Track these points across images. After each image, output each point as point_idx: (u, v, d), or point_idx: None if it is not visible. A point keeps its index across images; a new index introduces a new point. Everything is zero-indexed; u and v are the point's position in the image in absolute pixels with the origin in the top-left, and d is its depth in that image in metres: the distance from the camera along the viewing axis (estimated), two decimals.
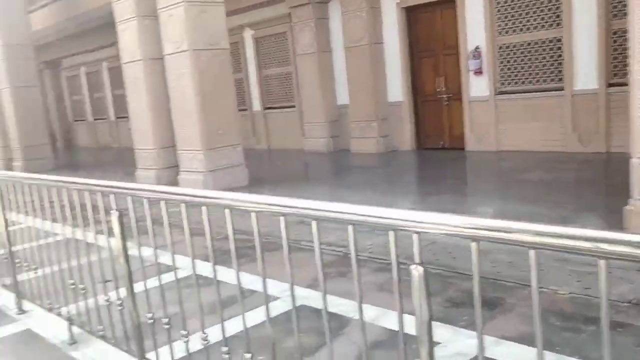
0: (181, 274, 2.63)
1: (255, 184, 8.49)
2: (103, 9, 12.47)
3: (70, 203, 3.24)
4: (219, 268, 2.30)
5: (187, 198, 2.30)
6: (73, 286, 3.33)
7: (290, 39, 12.24)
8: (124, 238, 2.80)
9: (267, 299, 2.08)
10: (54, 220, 3.58)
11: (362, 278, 1.79)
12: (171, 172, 9.00)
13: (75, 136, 21.64)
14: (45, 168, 13.61)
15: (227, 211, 2.08)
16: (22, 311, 4.13)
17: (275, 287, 3.62)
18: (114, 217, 2.77)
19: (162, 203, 2.47)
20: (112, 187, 2.83)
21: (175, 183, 8.76)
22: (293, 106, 12.67)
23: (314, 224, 1.79)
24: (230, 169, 8.33)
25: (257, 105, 13.60)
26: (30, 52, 13.69)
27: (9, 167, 14.34)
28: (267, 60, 13.19)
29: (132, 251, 2.80)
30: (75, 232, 3.29)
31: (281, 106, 13.07)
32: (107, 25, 15.30)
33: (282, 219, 1.87)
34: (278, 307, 3.49)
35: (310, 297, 3.74)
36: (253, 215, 1.97)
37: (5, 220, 4.13)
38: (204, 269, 2.55)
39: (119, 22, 9.30)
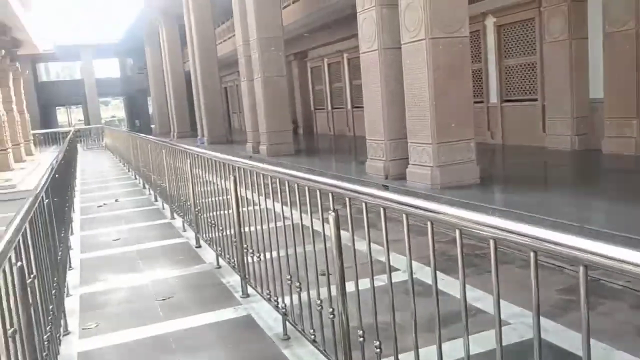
0: (399, 277, 2.32)
1: (486, 182, 7.85)
2: (347, 0, 12.80)
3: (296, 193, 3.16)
4: (442, 276, 1.92)
5: (410, 209, 1.97)
6: (289, 282, 3.25)
7: (538, 25, 11.11)
8: (339, 239, 2.60)
9: (500, 323, 1.64)
10: (284, 204, 3.53)
11: (617, 313, 1.25)
12: (400, 164, 8.82)
13: (315, 123, 23.01)
14: (286, 152, 14.64)
15: (457, 232, 1.70)
16: (246, 295, 4.28)
17: (505, 309, 3.11)
18: (331, 218, 2.58)
19: (382, 210, 2.18)
20: (331, 185, 2.64)
21: (403, 176, 8.56)
22: (534, 99, 11.53)
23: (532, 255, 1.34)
24: (460, 164, 7.82)
25: (494, 97, 12.73)
26: (280, 45, 14.76)
27: (257, 150, 15.76)
28: (509, 50, 12.22)
29: (348, 249, 2.58)
30: (301, 217, 3.17)
31: (521, 99, 12.01)
32: (349, 17, 15.79)
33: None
34: (508, 335, 2.98)
35: (547, 330, 3.14)
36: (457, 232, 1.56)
37: (238, 201, 4.28)
38: (425, 274, 2.19)
39: (359, 12, 9.37)
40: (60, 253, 4.51)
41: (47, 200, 4.27)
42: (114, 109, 74.18)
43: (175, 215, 7.46)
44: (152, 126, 40.31)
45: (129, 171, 14.01)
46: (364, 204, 2.36)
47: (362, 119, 17.68)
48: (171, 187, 7.37)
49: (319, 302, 2.89)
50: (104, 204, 9.60)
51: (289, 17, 16.64)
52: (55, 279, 3.74)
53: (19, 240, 2.37)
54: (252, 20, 14.58)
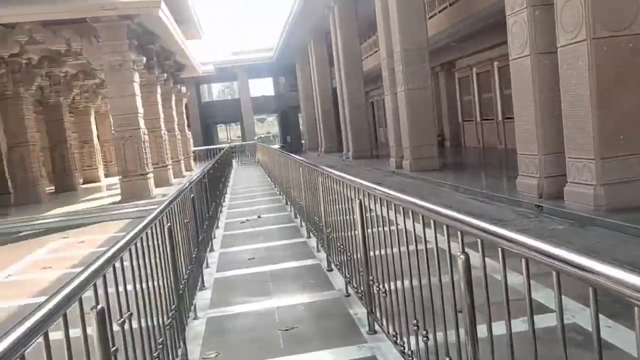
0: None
1: None
2: (496, 6, 11.97)
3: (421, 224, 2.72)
4: (608, 323, 1.38)
5: (565, 267, 1.47)
6: (416, 326, 2.80)
7: None
8: (470, 286, 2.12)
9: None
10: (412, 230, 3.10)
11: None
12: (557, 182, 7.87)
13: (463, 136, 22.00)
14: (431, 167, 14.03)
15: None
16: (372, 331, 3.89)
17: None
18: (460, 262, 2.11)
19: (523, 262, 1.70)
20: (461, 221, 2.17)
21: (560, 195, 7.62)
22: None
23: None
24: (631, 183, 6.73)
25: None
26: (425, 56, 14.24)
27: (400, 165, 15.33)
28: None
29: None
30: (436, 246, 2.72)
31: None
32: (499, 24, 14.81)
33: None
34: None
35: None
36: None
37: (364, 227, 3.92)
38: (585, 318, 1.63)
39: (508, 16, 8.61)
40: (185, 278, 4.47)
41: (186, 221, 4.28)
42: (269, 126, 78.29)
43: (311, 235, 7.30)
44: (303, 142, 41.65)
45: (275, 187, 14.34)
46: (500, 250, 1.86)
47: (514, 131, 16.55)
48: (307, 206, 7.23)
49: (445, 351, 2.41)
50: (247, 220, 9.80)
51: (435, 27, 16.06)
52: (173, 305, 3.64)
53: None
54: (396, 32, 14.26)
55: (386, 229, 3.39)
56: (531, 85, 8.19)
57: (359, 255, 4.11)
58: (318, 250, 6.64)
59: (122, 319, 2.37)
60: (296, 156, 8.29)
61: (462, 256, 2.17)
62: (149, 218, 3.39)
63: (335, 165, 22.19)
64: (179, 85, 21.72)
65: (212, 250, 7.36)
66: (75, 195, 17.04)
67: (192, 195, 5.66)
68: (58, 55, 14.95)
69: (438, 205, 2.58)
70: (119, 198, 13.20)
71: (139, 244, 2.97)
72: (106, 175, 23.33)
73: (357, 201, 3.92)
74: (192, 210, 5.57)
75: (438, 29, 16.22)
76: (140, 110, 13.04)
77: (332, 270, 5.70)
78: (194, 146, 36.03)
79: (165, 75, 17.41)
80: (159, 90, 16.35)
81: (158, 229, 3.61)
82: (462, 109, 21.88)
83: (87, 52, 12.52)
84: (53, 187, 18.87)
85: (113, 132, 13.19)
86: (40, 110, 19.09)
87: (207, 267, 6.50)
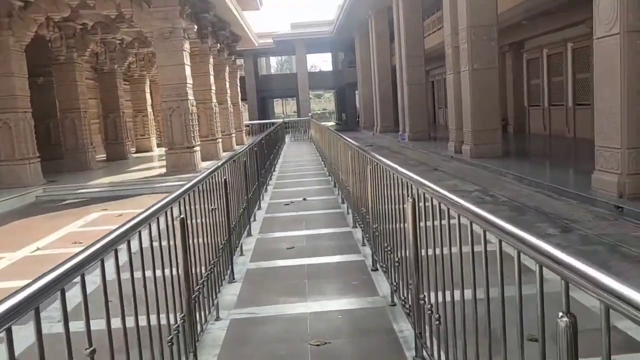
0: None
1: None
2: None
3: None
4: None
5: None
6: None
7: None
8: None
9: None
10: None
11: None
12: None
13: (527, 122, 20.65)
14: (493, 154, 13.05)
15: None
16: (420, 357, 3.20)
17: None
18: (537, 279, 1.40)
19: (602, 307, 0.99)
20: (523, 241, 1.46)
21: None
22: None
23: None
24: None
25: None
26: (493, 34, 13.14)
27: (459, 150, 14.37)
28: None
29: None
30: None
31: None
32: (574, 3, 13.51)
33: None
34: None
35: None
36: None
37: (417, 233, 3.21)
38: None
39: None
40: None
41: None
42: (326, 102, 77.63)
43: (357, 225, 6.63)
44: (358, 120, 40.78)
45: (324, 167, 13.71)
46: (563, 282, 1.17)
47: (585, 119, 15.22)
48: (355, 193, 6.55)
49: None
50: (292, 202, 9.22)
51: (506, 3, 14.85)
52: (181, 315, 3.06)
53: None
54: (463, 7, 13.19)
55: (443, 235, 2.69)
56: (618, 69, 7.15)
57: (408, 265, 3.42)
58: (363, 244, 5.97)
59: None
60: (346, 137, 7.59)
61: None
62: (150, 211, 2.80)
63: (390, 146, 21.35)
64: (233, 57, 21.26)
65: (249, 234, 6.82)
66: (125, 164, 16.95)
67: (224, 178, 5.08)
68: (112, 21, 14.69)
69: (500, 219, 1.87)
70: (164, 170, 12.90)
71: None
72: (159, 145, 23.29)
73: (410, 200, 3.21)
74: (224, 195, 5.00)
75: (510, 4, 15.01)
76: (190, 80, 12.60)
77: (377, 270, 5.03)
78: (250, 120, 35.87)
79: (219, 45, 16.93)
80: (211, 60, 15.91)
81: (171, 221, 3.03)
82: (529, 93, 20.49)
83: (137, 18, 12.12)
84: (105, 155, 18.90)
85: (161, 102, 12.83)
86: (95, 78, 19.06)
87: (242, 254, 5.95)
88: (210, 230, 4.39)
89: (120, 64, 18.59)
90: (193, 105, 12.58)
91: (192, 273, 3.38)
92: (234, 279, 5.08)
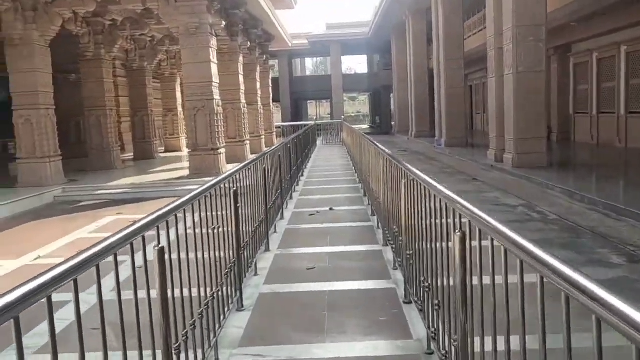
0: None
1: None
2: None
3: None
4: None
5: None
6: None
7: None
8: None
9: None
10: None
11: None
12: None
13: (573, 130, 19.47)
14: (537, 164, 12.10)
15: None
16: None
17: None
18: None
19: None
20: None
21: None
22: None
23: None
24: None
25: None
26: (542, 35, 12.19)
27: (500, 159, 13.45)
28: None
29: None
30: None
31: None
32: (630, 2, 12.49)
33: None
34: None
35: None
36: None
37: (466, 273, 2.46)
38: None
39: None
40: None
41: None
42: (360, 105, 76.70)
43: (388, 243, 5.87)
44: (393, 123, 39.86)
45: (355, 172, 12.96)
46: None
47: (638, 128, 14.09)
48: (386, 206, 5.79)
49: None
50: (317, 212, 8.50)
51: (554, 3, 13.87)
52: None
53: None
54: (509, 5, 12.27)
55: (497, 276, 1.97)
56: None
57: (453, 310, 2.66)
58: (394, 267, 5.21)
59: None
60: (377, 143, 6.85)
61: None
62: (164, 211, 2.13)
63: (425, 152, 20.44)
64: (265, 56, 20.69)
65: (267, 249, 6.13)
66: (151, 164, 16.52)
67: (233, 189, 4.40)
68: (140, 17, 14.25)
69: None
70: (187, 172, 12.35)
71: None
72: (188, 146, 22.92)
73: (459, 235, 2.45)
74: (232, 209, 4.32)
75: (559, 4, 14.01)
76: (216, 79, 12.02)
77: (410, 303, 4.27)
78: (283, 121, 35.35)
79: (250, 44, 16.35)
80: (241, 59, 15.33)
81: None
82: (575, 100, 19.32)
83: (163, 13, 11.61)
84: (132, 154, 18.54)
85: (185, 101, 12.28)
86: (124, 75, 18.74)
87: (256, 273, 5.26)
88: (214, 249, 3.72)
89: (150, 62, 18.20)
90: (219, 106, 11.99)
91: (174, 304, 2.69)
92: (242, 306, 4.38)
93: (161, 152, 19.95)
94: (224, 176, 4.31)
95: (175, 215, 3.00)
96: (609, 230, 6.63)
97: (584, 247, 5.91)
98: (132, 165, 16.35)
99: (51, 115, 12.03)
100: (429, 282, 3.36)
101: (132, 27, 15.06)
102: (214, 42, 11.92)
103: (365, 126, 49.82)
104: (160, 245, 2.56)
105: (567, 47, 19.08)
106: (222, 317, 3.71)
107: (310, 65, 63.74)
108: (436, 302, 3.10)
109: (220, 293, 3.79)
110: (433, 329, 3.25)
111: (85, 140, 15.69)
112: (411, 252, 4.03)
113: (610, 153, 15.18)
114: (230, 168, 7.19)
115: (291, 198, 9.77)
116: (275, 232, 7.05)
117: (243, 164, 5.33)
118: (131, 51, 17.44)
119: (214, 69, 11.86)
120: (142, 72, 18.01)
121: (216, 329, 3.55)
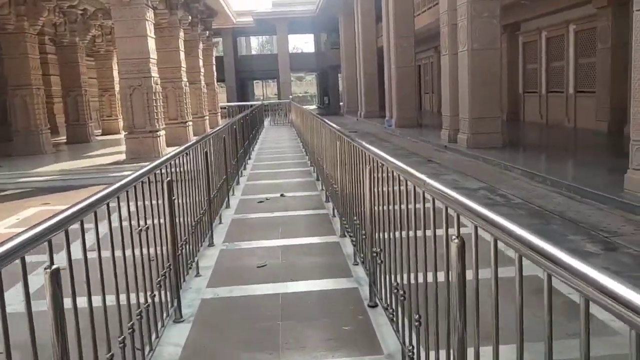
0: None
1: None
2: None
3: None
4: None
5: None
6: None
7: None
8: None
9: None
10: None
11: None
12: None
13: (522, 109, 19.43)
14: (492, 144, 11.80)
15: None
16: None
17: None
18: None
19: None
20: None
21: None
22: None
23: None
24: None
25: None
26: (496, 11, 11.82)
27: (453, 139, 13.10)
28: None
29: None
30: None
31: None
32: None
33: None
34: None
35: None
36: None
37: (464, 282, 1.88)
38: None
39: None
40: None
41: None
42: (307, 85, 75.74)
43: (346, 234, 5.29)
44: (341, 104, 39.36)
45: (306, 155, 12.33)
46: None
47: (588, 107, 14.04)
48: (343, 193, 5.19)
49: None
50: (267, 198, 7.82)
51: None
52: None
53: None
54: None
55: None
56: None
57: (442, 322, 2.09)
58: (355, 262, 4.63)
59: None
60: (332, 124, 6.23)
61: None
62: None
63: (376, 133, 19.98)
64: (208, 33, 19.62)
65: (211, 244, 5.44)
66: (85, 148, 15.35)
67: (167, 179, 3.68)
68: None
69: None
70: (124, 157, 11.39)
71: None
72: None
73: (456, 242, 1.86)
74: (167, 203, 3.62)
75: None
76: (154, 55, 11.05)
77: (376, 306, 3.70)
78: (229, 102, 34.14)
79: (191, 18, 15.30)
80: (181, 35, 14.31)
81: None
82: (525, 79, 19.26)
83: None
84: (64, 138, 17.26)
85: (119, 79, 11.27)
86: (54, 52, 17.33)
87: (198, 274, 4.57)
88: (145, 248, 3.04)
89: (82, 37, 16.87)
90: (157, 84, 11.04)
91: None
92: (181, 317, 3.70)
93: (98, 135, 18.67)
94: (157, 162, 3.62)
95: (95, 212, 2.34)
96: (577, 215, 6.26)
97: (556, 235, 5.50)
98: (64, 149, 15.15)
99: None
100: (403, 290, 2.77)
101: None
102: (150, 14, 10.92)
103: (313, 106, 49.13)
104: (53, 267, 1.85)
105: (516, 26, 18.92)
106: (151, 337, 3.03)
107: (255, 45, 62.34)
108: (416, 317, 2.52)
109: (151, 303, 3.12)
110: (410, 347, 2.67)
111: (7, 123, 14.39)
112: (379, 249, 3.44)
113: (560, 133, 15.11)
114: (170, 151, 6.29)
115: (238, 184, 9.05)
116: (220, 223, 6.35)
117: (181, 147, 4.60)
118: (60, 25, 16.07)
119: (152, 43, 10.89)
120: (73, 48, 16.66)
121: (145, 351, 2.88)
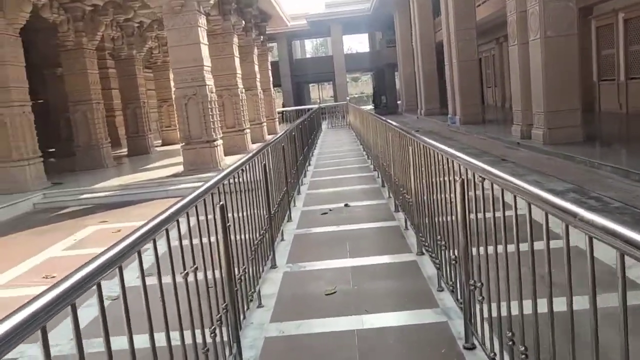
0: None
1: None
2: None
3: None
4: None
5: None
6: None
7: None
8: None
9: None
10: None
11: None
12: None
13: (598, 99, 18.06)
14: (572, 139, 10.82)
15: None
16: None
17: None
18: None
19: None
20: None
21: None
22: None
23: None
24: None
25: None
26: None
27: (527, 135, 12.14)
28: None
29: None
30: None
31: None
32: None
33: None
34: None
35: None
36: None
37: None
38: None
39: None
40: None
41: None
42: (364, 85, 74.85)
43: (424, 250, 4.65)
44: (399, 102, 38.45)
45: (368, 158, 11.72)
46: None
47: None
48: (420, 206, 4.56)
49: None
50: (330, 210, 7.26)
51: None
52: None
53: None
54: None
55: None
56: None
57: None
58: (440, 288, 3.99)
59: None
60: (394, 123, 5.61)
61: None
62: None
63: (439, 131, 19.09)
64: (262, 38, 19.32)
65: (274, 266, 4.92)
66: (144, 160, 15.31)
67: (220, 203, 3.16)
68: (124, 0, 12.95)
69: None
70: (182, 168, 11.12)
71: None
72: None
73: None
74: (223, 234, 3.10)
75: None
76: (207, 62, 10.72)
77: (474, 348, 3.05)
78: (285, 106, 33.94)
79: (244, 23, 14.98)
80: (235, 40, 13.99)
81: None
82: (600, 66, 17.88)
83: None
84: (126, 150, 17.34)
85: (174, 88, 11.00)
86: (114, 66, 17.45)
87: (260, 304, 4.05)
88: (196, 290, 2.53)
89: (139, 50, 16.89)
90: (212, 92, 10.70)
91: None
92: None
93: (158, 146, 18.70)
94: (207, 186, 3.08)
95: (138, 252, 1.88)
96: None
97: None
98: (125, 162, 15.15)
99: (27, 112, 10.82)
100: (511, 323, 2.13)
101: (115, 12, 13.76)
102: (202, 20, 10.61)
103: (370, 107, 48.40)
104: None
105: (587, 10, 17.60)
106: None
107: (310, 48, 62.13)
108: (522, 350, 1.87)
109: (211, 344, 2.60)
110: None
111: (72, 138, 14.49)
112: (479, 283, 2.79)
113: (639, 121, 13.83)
114: (229, 161, 5.64)
115: (299, 193, 8.55)
116: (282, 239, 5.84)
117: (236, 163, 4.08)
118: (118, 39, 16.13)
119: (205, 51, 10.56)
120: (131, 61, 16.70)
121: None
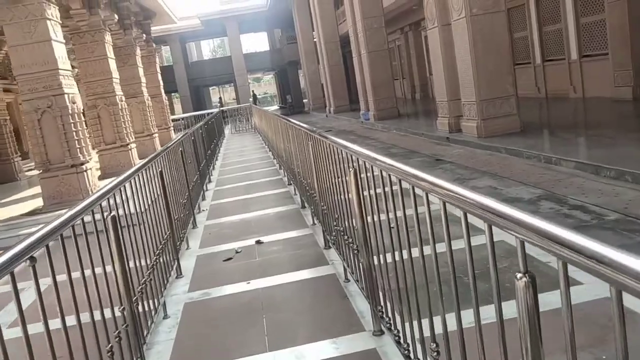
0: None
1: None
2: None
3: None
4: None
5: None
6: None
7: None
8: None
9: None
10: None
11: None
12: None
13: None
14: (510, 129, 9.59)
15: None
16: None
17: None
18: None
19: None
20: None
21: None
22: None
23: None
24: None
25: None
26: None
27: (456, 128, 10.74)
28: None
29: None
30: None
31: None
32: None
33: None
34: None
35: None
36: None
37: None
38: None
39: None
40: None
41: None
42: (267, 86, 72.72)
43: (351, 278, 2.84)
44: (305, 101, 36.91)
45: (280, 168, 9.85)
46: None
47: (598, 73, 11.84)
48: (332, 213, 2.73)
49: None
50: (237, 251, 5.30)
51: None
52: None
53: None
54: None
55: None
56: None
57: None
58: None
59: None
60: (300, 124, 3.82)
61: None
62: None
63: (354, 129, 17.55)
64: (146, 37, 16.85)
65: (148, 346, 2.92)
66: (6, 190, 12.54)
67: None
68: None
69: None
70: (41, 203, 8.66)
71: None
72: None
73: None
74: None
75: None
76: (65, 65, 8.34)
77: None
78: (184, 112, 31.27)
79: (117, 18, 12.54)
80: (108, 39, 11.57)
81: None
82: (513, 49, 17.00)
83: None
84: None
85: (21, 101, 8.52)
86: None
87: None
88: None
89: None
90: (74, 103, 8.31)
91: None
92: None
93: (29, 170, 15.74)
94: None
95: None
96: None
97: None
98: None
99: None
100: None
101: None
102: (53, 12, 8.21)
103: (275, 107, 46.55)
104: None
105: None
106: None
107: (207, 50, 59.21)
108: None
109: None
110: None
111: None
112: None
113: (576, 106, 12.92)
114: (104, 185, 3.55)
115: (194, 226, 6.51)
116: (166, 316, 3.83)
117: (85, 202, 2.06)
118: None
119: (60, 50, 8.18)
120: None
121: None
